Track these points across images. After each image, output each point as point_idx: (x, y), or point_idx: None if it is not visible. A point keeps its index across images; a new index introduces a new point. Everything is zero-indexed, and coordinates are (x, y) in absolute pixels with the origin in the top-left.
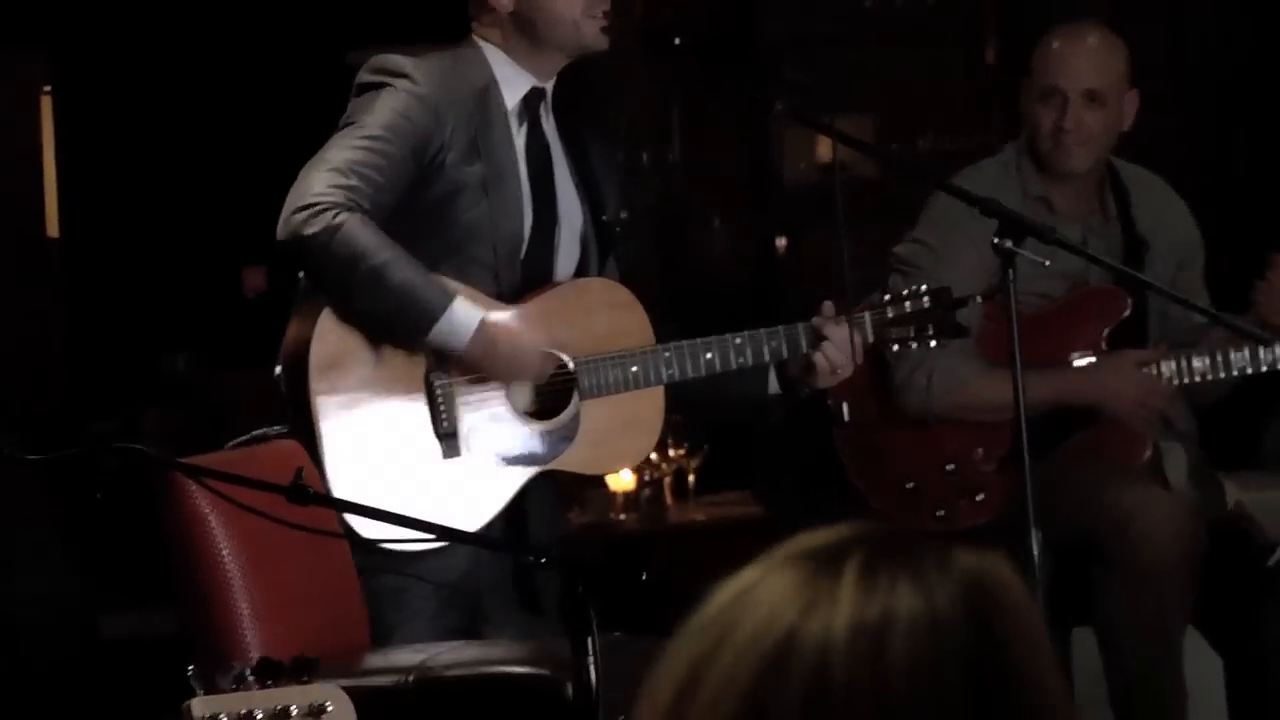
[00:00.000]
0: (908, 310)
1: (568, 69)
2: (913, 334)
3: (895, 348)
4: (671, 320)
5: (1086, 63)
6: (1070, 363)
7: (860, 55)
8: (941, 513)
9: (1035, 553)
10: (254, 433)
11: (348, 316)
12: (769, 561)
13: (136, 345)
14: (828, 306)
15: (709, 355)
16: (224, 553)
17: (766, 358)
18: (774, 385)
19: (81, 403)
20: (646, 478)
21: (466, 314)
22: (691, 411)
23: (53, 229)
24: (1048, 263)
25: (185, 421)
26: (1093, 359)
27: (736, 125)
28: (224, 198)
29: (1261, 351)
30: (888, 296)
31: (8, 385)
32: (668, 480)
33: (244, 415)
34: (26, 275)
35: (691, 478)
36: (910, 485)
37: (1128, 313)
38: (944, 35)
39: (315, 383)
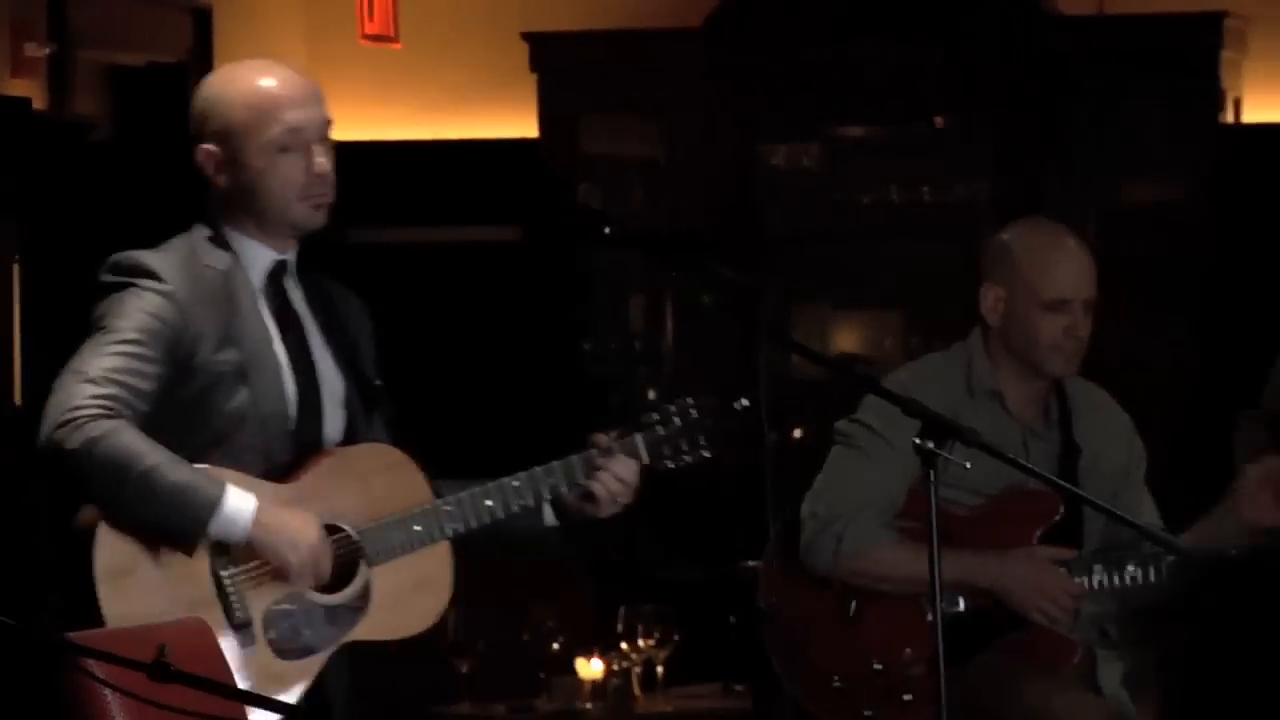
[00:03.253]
0: (678, 425)
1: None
2: (686, 447)
3: (670, 465)
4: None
5: (1088, 274)
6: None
7: (854, 251)
8: (869, 713)
9: None
10: None
11: (122, 525)
12: None
13: None
14: (600, 439)
15: (489, 503)
16: None
17: (547, 496)
18: (550, 518)
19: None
20: (615, 667)
21: (240, 503)
22: (470, 545)
23: (18, 397)
24: (969, 465)
25: (73, 599)
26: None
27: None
28: None
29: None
30: (655, 415)
31: None
32: (636, 670)
33: None
34: None
35: (660, 668)
36: (837, 684)
37: (1059, 516)
38: (940, 233)
39: (105, 596)
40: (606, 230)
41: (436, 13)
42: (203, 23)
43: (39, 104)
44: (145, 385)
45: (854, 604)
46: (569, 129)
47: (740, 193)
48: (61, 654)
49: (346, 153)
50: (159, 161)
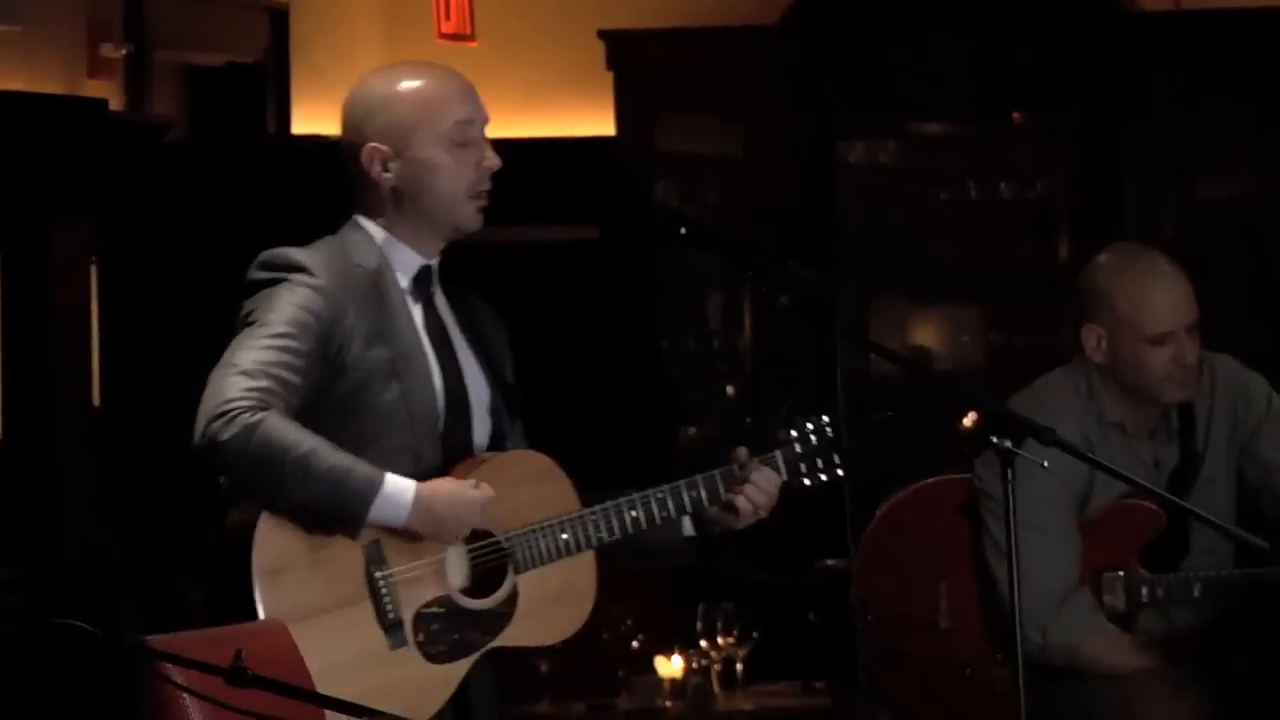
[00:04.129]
0: (814, 444)
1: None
2: (821, 465)
3: (807, 482)
4: None
5: (1186, 298)
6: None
7: (931, 247)
8: (962, 710)
9: None
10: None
11: (282, 517)
12: None
13: (179, 516)
14: (742, 452)
15: (634, 513)
16: None
17: (689, 509)
18: (688, 529)
19: (128, 573)
20: (695, 665)
21: (400, 487)
22: (606, 557)
23: (96, 399)
24: (1046, 464)
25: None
26: None
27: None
28: None
29: None
30: (794, 433)
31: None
32: (716, 668)
33: None
34: (76, 444)
35: (740, 666)
36: (931, 684)
37: (1161, 529)
38: (1018, 230)
39: (263, 593)
40: (682, 230)
41: (513, 11)
42: (280, 22)
43: (116, 105)
44: (297, 379)
45: (946, 609)
46: (645, 127)
47: (817, 190)
48: (140, 658)
49: None
50: (236, 162)
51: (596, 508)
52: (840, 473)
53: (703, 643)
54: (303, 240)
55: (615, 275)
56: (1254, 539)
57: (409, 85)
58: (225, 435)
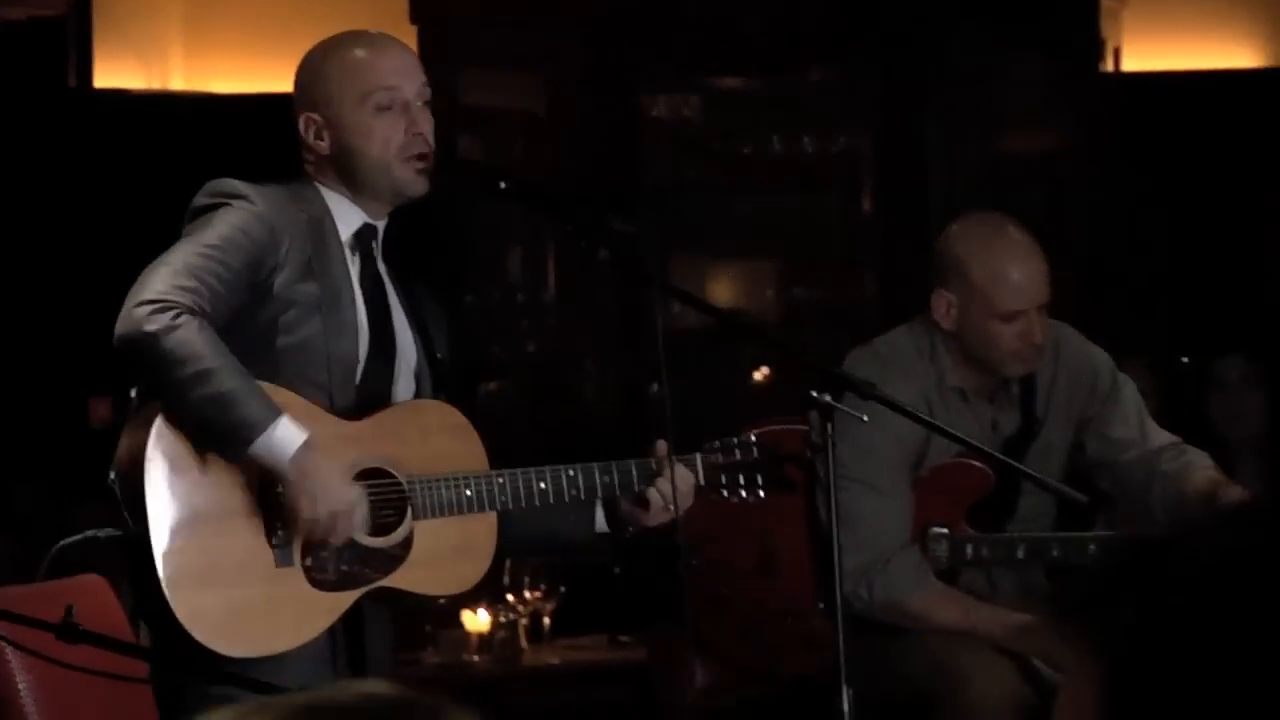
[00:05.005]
0: (738, 458)
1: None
2: (742, 482)
3: (725, 494)
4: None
5: (1041, 278)
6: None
7: (734, 202)
8: (780, 658)
9: (846, 710)
10: (86, 533)
11: (174, 420)
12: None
13: None
14: (661, 445)
15: (542, 485)
16: (20, 687)
17: (599, 492)
18: (601, 523)
19: None
20: (502, 619)
21: (290, 433)
22: (518, 549)
23: None
24: (865, 418)
25: (32, 552)
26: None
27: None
28: (71, 327)
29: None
30: (719, 443)
31: None
32: (523, 622)
33: None
34: None
35: (547, 620)
36: (749, 629)
37: (989, 490)
38: (821, 184)
39: (152, 487)
40: (502, 185)
41: None
42: None
43: None
44: (223, 290)
45: (771, 556)
46: (449, 82)
47: (620, 144)
48: None
49: (224, 106)
50: (38, 115)
51: (504, 471)
52: (762, 493)
53: (510, 597)
54: (106, 192)
55: (417, 229)
56: (1074, 493)
57: (338, 55)
58: (149, 325)
